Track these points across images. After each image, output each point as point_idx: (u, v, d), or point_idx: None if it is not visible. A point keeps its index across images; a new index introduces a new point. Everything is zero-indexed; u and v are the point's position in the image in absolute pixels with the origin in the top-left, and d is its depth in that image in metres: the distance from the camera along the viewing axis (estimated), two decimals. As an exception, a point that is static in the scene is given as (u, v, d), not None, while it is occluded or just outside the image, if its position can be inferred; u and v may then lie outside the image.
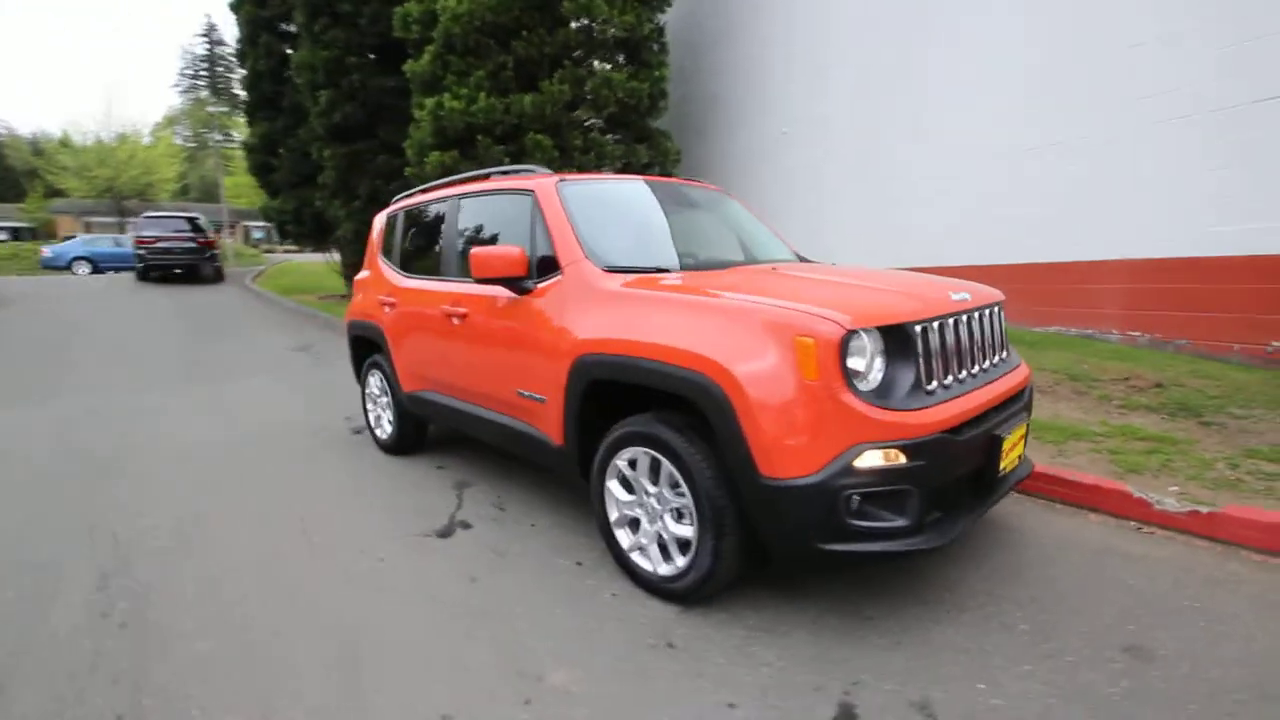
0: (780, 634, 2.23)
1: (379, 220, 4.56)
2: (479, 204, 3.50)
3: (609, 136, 9.60)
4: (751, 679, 2.00)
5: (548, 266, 2.89)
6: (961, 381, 2.31)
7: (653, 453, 2.38)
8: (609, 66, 9.67)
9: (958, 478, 2.23)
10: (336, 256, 14.69)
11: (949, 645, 2.13)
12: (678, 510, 2.37)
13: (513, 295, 2.99)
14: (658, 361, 2.26)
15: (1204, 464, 3.42)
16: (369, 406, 4.59)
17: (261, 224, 47.87)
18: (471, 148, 9.24)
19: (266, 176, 15.12)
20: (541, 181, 3.09)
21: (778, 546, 2.14)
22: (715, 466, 2.20)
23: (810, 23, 9.15)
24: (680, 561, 2.35)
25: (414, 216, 4.10)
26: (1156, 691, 1.90)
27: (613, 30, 9.04)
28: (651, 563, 2.47)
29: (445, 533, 3.15)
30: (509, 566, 2.79)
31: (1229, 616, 2.26)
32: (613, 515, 2.62)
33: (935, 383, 2.19)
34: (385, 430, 4.40)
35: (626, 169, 9.93)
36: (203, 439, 4.81)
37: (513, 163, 9.45)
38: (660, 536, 2.44)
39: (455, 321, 3.40)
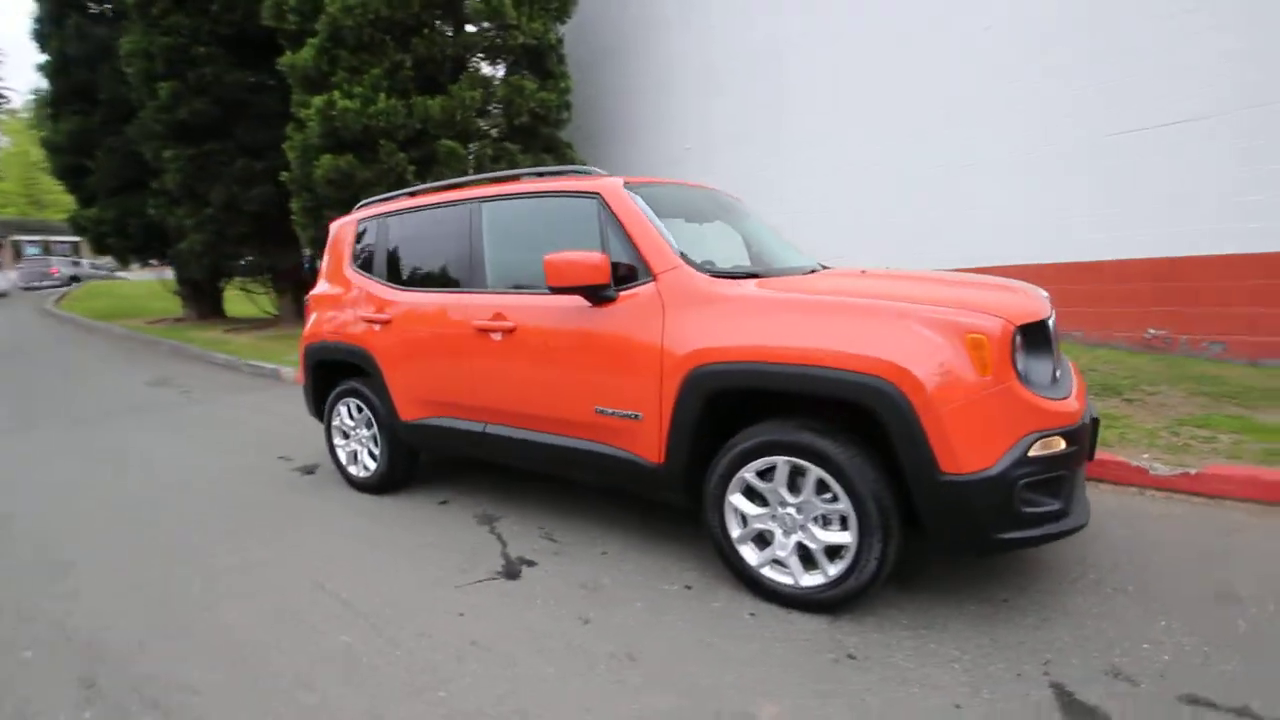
0: (940, 629, 2.25)
1: (344, 228, 3.99)
2: (514, 208, 3.19)
3: (516, 146, 9.26)
4: (953, 678, 2.00)
5: (627, 273, 2.70)
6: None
7: (796, 460, 2.30)
8: (505, 74, 9.35)
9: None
10: (169, 273, 12.65)
11: (1089, 613, 2.29)
12: (823, 517, 2.32)
13: (585, 305, 2.76)
14: (820, 367, 2.19)
15: (1150, 434, 4.02)
16: (338, 442, 3.98)
17: (37, 238, 40.05)
18: (370, 152, 8.42)
19: (78, 180, 12.65)
20: (606, 183, 2.89)
21: (953, 542, 2.17)
22: (877, 469, 2.19)
23: (705, 44, 9.54)
24: (833, 570, 2.29)
25: (406, 223, 3.63)
26: (1272, 625, 2.18)
27: (522, 37, 8.76)
28: (791, 575, 2.38)
29: (510, 573, 2.81)
30: (613, 600, 2.54)
31: (1270, 554, 2.67)
32: (735, 531, 2.49)
33: (1059, 373, 2.36)
34: (366, 467, 3.84)
35: (537, 179, 9.66)
36: (125, 495, 3.90)
37: (418, 169, 8.78)
38: (801, 547, 2.37)
39: (496, 337, 3.06)
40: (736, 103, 9.25)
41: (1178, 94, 5.52)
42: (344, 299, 3.84)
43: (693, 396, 2.46)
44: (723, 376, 2.38)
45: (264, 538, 3.25)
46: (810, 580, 2.35)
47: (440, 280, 3.42)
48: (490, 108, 9.15)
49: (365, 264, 3.81)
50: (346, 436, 3.97)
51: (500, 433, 3.16)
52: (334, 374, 4.01)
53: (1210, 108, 5.38)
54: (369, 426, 3.81)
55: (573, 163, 9.98)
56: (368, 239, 3.83)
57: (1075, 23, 6.07)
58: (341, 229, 4.03)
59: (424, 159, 8.74)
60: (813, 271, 3.08)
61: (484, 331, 3.10)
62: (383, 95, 8.30)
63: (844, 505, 2.24)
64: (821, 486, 2.28)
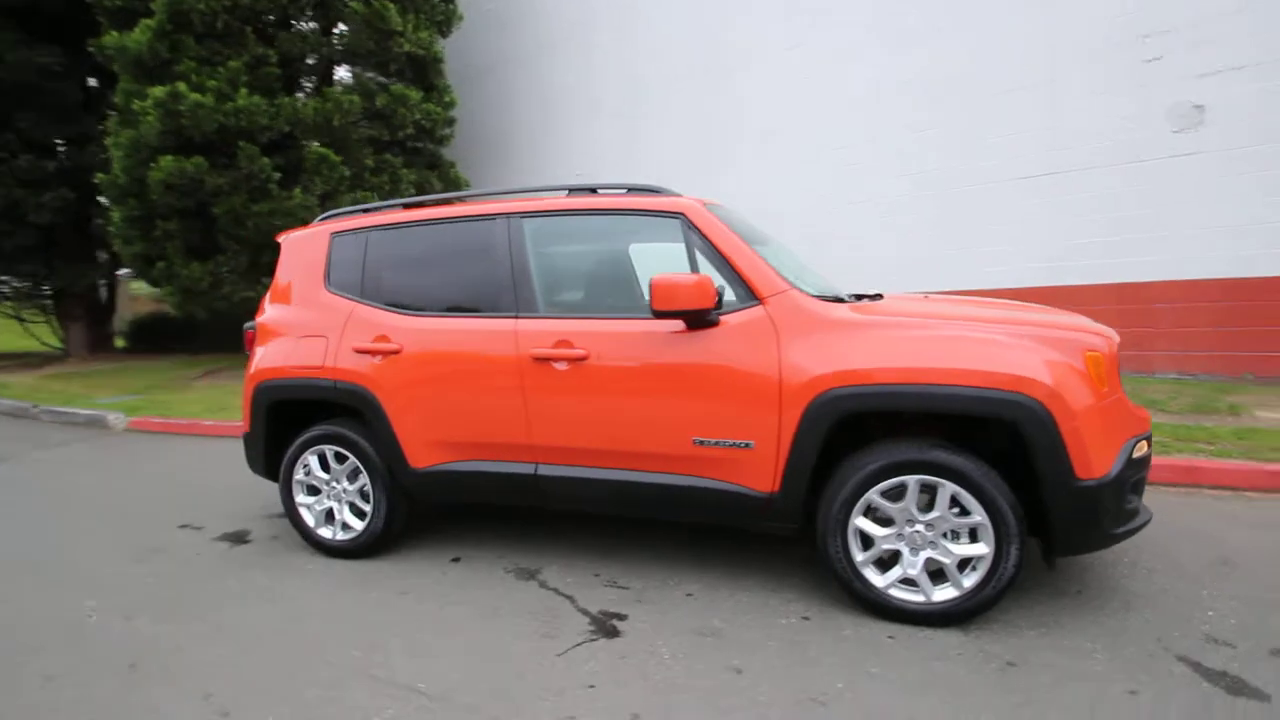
0: (1056, 625, 2.40)
1: (308, 242, 3.35)
2: (571, 225, 2.91)
3: (399, 159, 8.51)
4: (1104, 667, 2.15)
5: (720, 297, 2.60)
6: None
7: (928, 478, 2.36)
8: (387, 83, 8.59)
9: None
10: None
11: (1150, 593, 2.61)
12: (954, 531, 2.40)
13: (676, 330, 2.60)
14: (968, 386, 2.28)
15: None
16: (302, 500, 3.28)
17: None
18: (225, 155, 7.15)
19: None
20: (687, 202, 2.76)
21: (1077, 542, 2.36)
22: (1005, 481, 2.32)
23: (590, 73, 9.66)
24: (967, 582, 2.37)
25: (408, 239, 3.14)
26: (1271, 580, 2.67)
27: (407, 45, 8.11)
28: (923, 593, 2.42)
29: (607, 630, 2.50)
30: (745, 644, 2.37)
31: (1245, 526, 3.27)
32: (859, 556, 2.47)
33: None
34: (349, 527, 3.20)
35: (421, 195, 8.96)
36: (33, 601, 2.82)
37: (284, 177, 7.65)
38: (929, 563, 2.42)
39: (560, 367, 2.74)
40: (624, 131, 9.44)
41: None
42: (318, 326, 3.20)
43: (819, 421, 2.42)
44: (860, 399, 2.38)
45: (247, 644, 2.53)
46: (942, 595, 2.40)
47: (467, 304, 3.00)
48: (360, 122, 8.29)
49: (350, 285, 3.21)
50: (315, 493, 3.28)
51: (559, 474, 2.83)
52: (296, 418, 3.31)
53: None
54: (352, 478, 3.19)
55: (456, 180, 9.45)
56: (349, 255, 3.25)
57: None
58: (305, 243, 3.37)
59: (291, 166, 7.67)
60: (874, 297, 3.17)
61: (544, 361, 2.76)
62: (244, 91, 7.14)
63: (978, 518, 2.33)
64: (952, 501, 2.37)
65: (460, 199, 3.29)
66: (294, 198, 7.23)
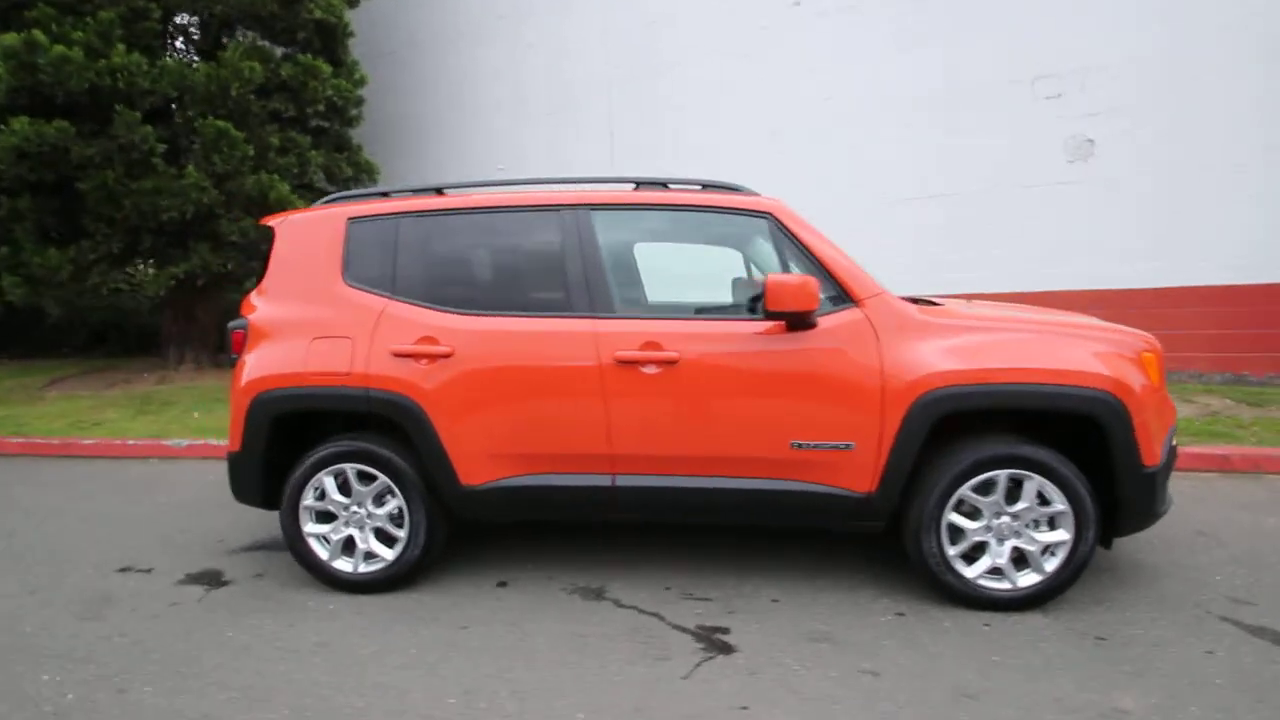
0: (1114, 602, 2.66)
1: (318, 227, 2.89)
2: (646, 221, 2.75)
3: (307, 139, 7.61)
4: (1175, 634, 2.39)
5: (811, 298, 2.59)
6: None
7: (1017, 472, 2.51)
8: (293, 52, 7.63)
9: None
10: None
11: (1167, 564, 2.97)
12: (1035, 520, 2.56)
13: (771, 332, 2.56)
14: (1044, 385, 2.44)
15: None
16: (313, 530, 2.81)
17: None
18: (98, 121, 5.93)
19: None
20: (773, 202, 2.71)
21: (1135, 523, 2.61)
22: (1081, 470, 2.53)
23: (517, 63, 9.31)
24: (1049, 566, 2.53)
25: (450, 228, 2.80)
26: (1244, 549, 3.14)
27: (318, 11, 7.26)
28: (1009, 580, 2.56)
29: (720, 646, 2.39)
30: (864, 646, 2.37)
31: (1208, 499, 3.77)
32: (951, 550, 2.57)
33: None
34: (374, 557, 2.80)
35: (330, 181, 8.10)
36: None
37: (169, 151, 6.50)
38: (1014, 551, 2.57)
39: (649, 370, 2.58)
40: (552, 129, 9.19)
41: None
42: (338, 326, 2.75)
43: (922, 421, 2.48)
44: (961, 399, 2.47)
45: (305, 707, 2.11)
46: (1026, 581, 2.56)
47: (533, 302, 2.73)
48: (285, 85, 7.25)
49: (377, 279, 2.80)
50: (328, 519, 2.83)
51: (640, 484, 2.66)
52: (303, 433, 2.84)
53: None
54: (379, 501, 2.79)
55: (368, 167, 8.66)
56: (375, 245, 2.83)
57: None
58: (311, 229, 2.90)
59: (178, 139, 6.57)
60: (928, 302, 3.23)
61: (629, 364, 2.59)
62: (120, 47, 6.00)
63: (1060, 506, 2.51)
64: (1038, 493, 2.54)
65: (486, 187, 2.98)
66: (186, 176, 6.12)
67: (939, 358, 2.51)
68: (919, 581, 2.76)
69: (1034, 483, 2.51)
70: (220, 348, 8.65)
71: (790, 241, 2.66)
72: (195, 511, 3.99)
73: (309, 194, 7.35)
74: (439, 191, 2.94)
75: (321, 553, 2.82)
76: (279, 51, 7.07)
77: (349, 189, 8.85)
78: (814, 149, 7.55)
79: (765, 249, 2.71)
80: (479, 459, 2.70)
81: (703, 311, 2.77)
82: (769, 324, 2.57)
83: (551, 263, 2.74)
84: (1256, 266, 5.80)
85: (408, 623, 2.60)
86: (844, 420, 2.54)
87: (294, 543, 2.83)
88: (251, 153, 6.62)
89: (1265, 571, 2.89)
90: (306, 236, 2.91)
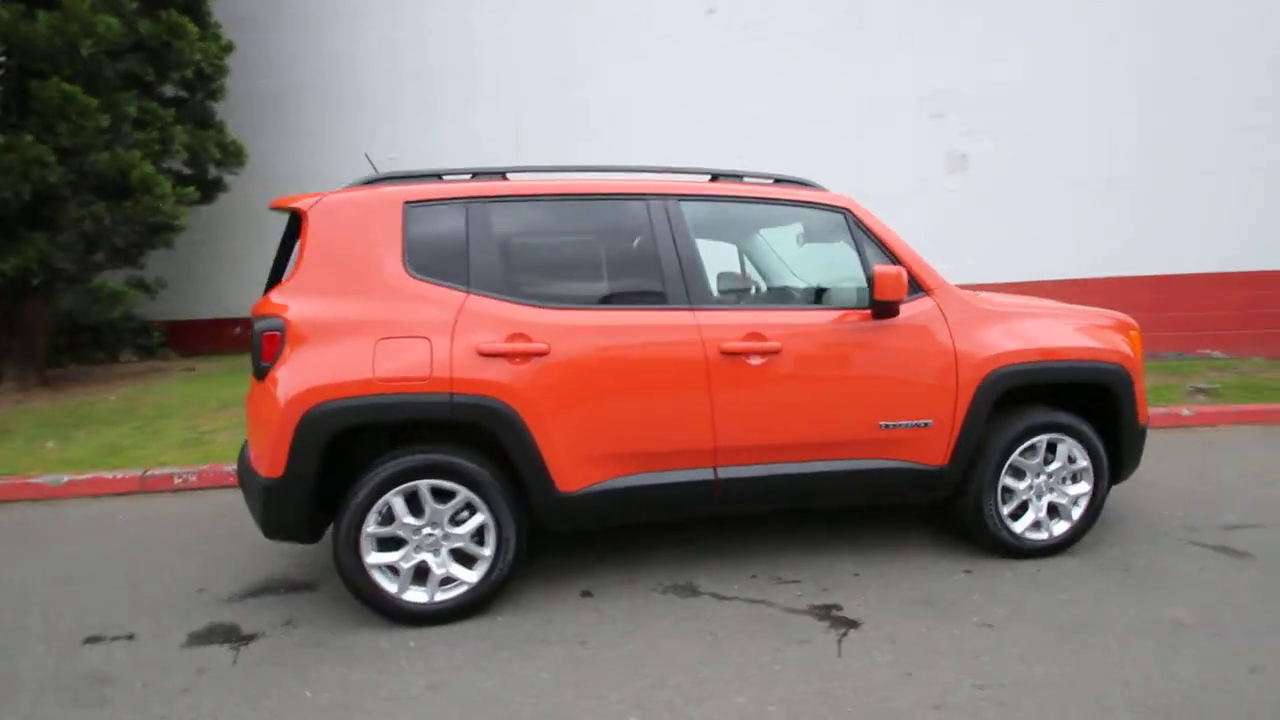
0: (1116, 536, 3.17)
1: (371, 210, 2.50)
2: (732, 212, 2.73)
3: (169, 112, 6.39)
4: (1182, 558, 2.92)
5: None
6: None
7: (1054, 436, 2.89)
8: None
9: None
10: None
11: (1139, 510, 3.61)
12: (1064, 477, 2.98)
13: (860, 320, 2.70)
14: (1083, 361, 2.86)
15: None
16: (377, 560, 2.45)
17: None
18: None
19: None
20: (847, 198, 2.83)
21: (1129, 471, 3.11)
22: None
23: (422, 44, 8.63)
24: (1076, 514, 2.95)
25: (541, 215, 2.57)
26: (1193, 490, 3.89)
27: (175, -41, 6.09)
28: (1047, 530, 2.95)
29: (845, 623, 2.49)
30: (959, 606, 2.60)
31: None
32: (1005, 510, 2.90)
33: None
34: (457, 583, 2.52)
35: (192, 163, 6.89)
36: None
37: (4, 116, 5.04)
38: (1048, 507, 2.97)
39: (754, 361, 2.59)
40: (453, 116, 8.64)
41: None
42: (409, 324, 2.41)
43: (988, 397, 2.78)
44: (1021, 375, 2.80)
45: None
46: (1059, 529, 2.97)
47: (630, 295, 2.60)
48: (145, 43, 5.91)
49: (448, 270, 2.48)
50: (395, 546, 2.47)
51: (742, 475, 2.67)
52: (358, 448, 2.45)
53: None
54: (456, 521, 2.49)
55: (236, 148, 7.51)
56: (442, 232, 2.52)
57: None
58: (359, 213, 2.49)
59: (13, 102, 5.16)
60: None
61: (735, 355, 2.57)
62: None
63: (1083, 463, 2.94)
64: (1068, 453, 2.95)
65: (549, 173, 2.77)
66: (23, 148, 4.72)
67: (1000, 340, 2.82)
68: (965, 542, 3.08)
69: (1066, 445, 2.93)
70: (55, 362, 6.92)
71: (866, 234, 2.82)
72: (134, 559, 3.23)
73: (169, 178, 6.16)
74: (502, 176, 2.68)
75: (388, 585, 2.46)
76: (132, 4, 5.79)
77: (216, 171, 7.59)
78: (724, 157, 7.90)
79: (841, 241, 2.84)
80: (576, 462, 2.52)
81: (793, 301, 2.84)
82: (860, 312, 2.71)
83: (645, 253, 2.63)
84: (1095, 266, 7.12)
85: (515, 647, 2.37)
86: (924, 400, 2.76)
87: (353, 578, 2.43)
88: (106, 124, 5.36)
89: (1204, 505, 3.59)
90: (355, 222, 2.49)
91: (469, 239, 2.52)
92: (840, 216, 2.84)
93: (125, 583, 2.96)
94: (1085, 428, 2.92)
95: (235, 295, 9.08)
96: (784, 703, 2.04)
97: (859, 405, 2.73)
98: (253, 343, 2.40)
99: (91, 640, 2.48)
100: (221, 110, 7.53)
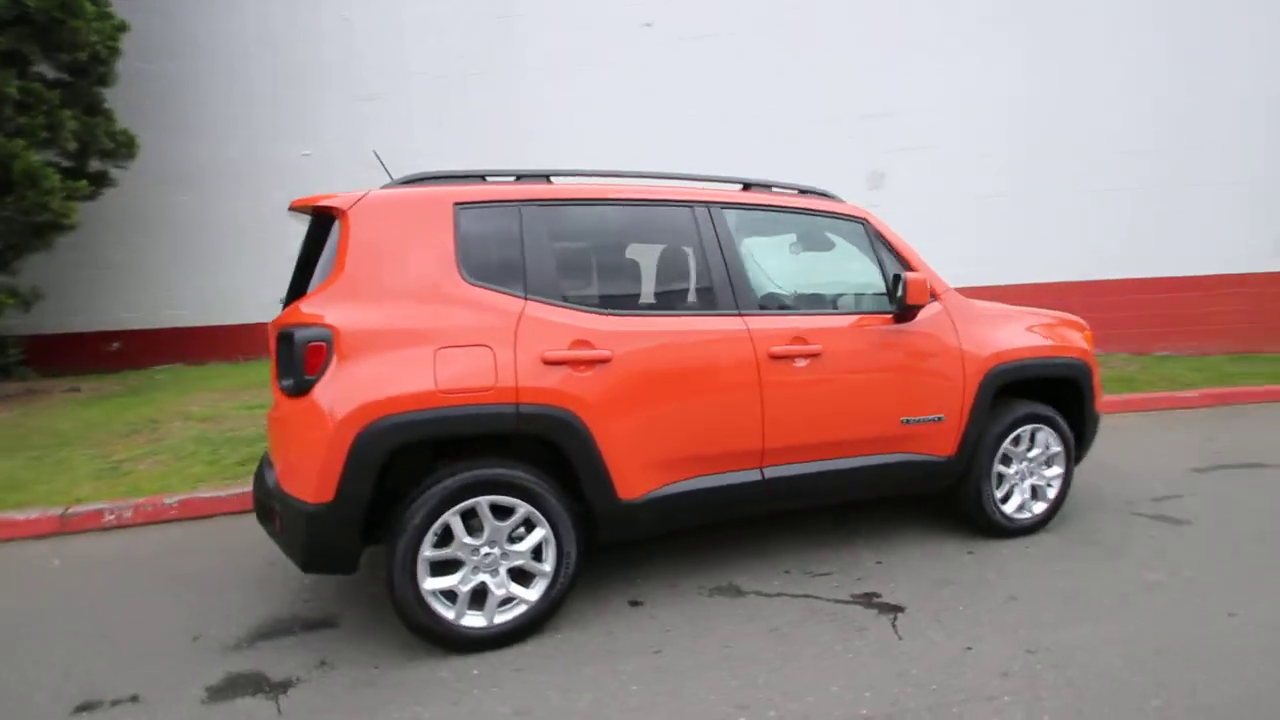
0: (1073, 511, 3.59)
1: (426, 213, 2.36)
2: (767, 221, 2.83)
3: (55, 94, 5.54)
4: (1137, 524, 3.38)
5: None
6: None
7: (1036, 426, 3.23)
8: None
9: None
10: None
11: (1095, 489, 4.09)
12: (1042, 462, 3.33)
13: (884, 323, 2.90)
14: (1057, 357, 3.22)
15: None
16: (435, 585, 2.29)
17: None
18: None
19: None
20: (865, 210, 3.02)
21: (1086, 452, 3.53)
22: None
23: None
24: (1052, 494, 3.32)
25: (594, 220, 2.53)
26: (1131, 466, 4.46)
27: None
28: (1030, 511, 3.28)
29: (888, 608, 2.65)
30: (977, 583, 2.84)
31: None
32: (998, 494, 3.20)
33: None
34: (517, 602, 2.41)
35: (82, 154, 6.03)
36: None
37: None
38: (1030, 489, 3.31)
39: (800, 364, 2.69)
40: (374, 111, 8.17)
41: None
42: (468, 332, 2.28)
43: (988, 392, 3.07)
44: (1014, 371, 3.11)
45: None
46: (1038, 509, 3.33)
47: (683, 300, 2.62)
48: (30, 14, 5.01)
49: (503, 275, 2.38)
50: (450, 569, 2.32)
51: (786, 474, 2.76)
52: (408, 465, 2.28)
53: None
54: (514, 538, 2.39)
55: (128, 139, 6.66)
56: (495, 235, 2.41)
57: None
58: (407, 214, 2.34)
59: None
60: None
61: (782, 358, 2.67)
62: None
63: (1057, 448, 3.32)
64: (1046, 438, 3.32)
65: (589, 177, 2.72)
66: None
67: (996, 340, 3.13)
68: (958, 526, 3.36)
69: (1044, 433, 3.29)
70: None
71: (882, 243, 3.03)
72: (95, 610, 2.77)
73: (55, 172, 5.28)
74: (546, 179, 2.60)
75: (446, 612, 2.30)
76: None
77: (101, 164, 6.66)
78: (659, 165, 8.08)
79: (858, 249, 3.03)
80: (637, 469, 2.50)
81: (826, 306, 2.98)
82: (882, 316, 2.90)
83: (694, 259, 2.67)
84: (988, 274, 7.97)
85: (591, 663, 2.30)
86: (938, 397, 3.00)
87: (409, 607, 2.25)
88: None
89: (1130, 482, 4.13)
90: (402, 223, 2.32)
91: (523, 243, 2.43)
92: (860, 226, 3.03)
93: (96, 637, 2.54)
94: (1059, 417, 3.30)
95: (112, 306, 8.03)
96: (874, 688, 2.14)
97: (885, 403, 2.92)
98: (293, 355, 2.16)
99: (86, 708, 2.11)
100: (110, 97, 6.62)
